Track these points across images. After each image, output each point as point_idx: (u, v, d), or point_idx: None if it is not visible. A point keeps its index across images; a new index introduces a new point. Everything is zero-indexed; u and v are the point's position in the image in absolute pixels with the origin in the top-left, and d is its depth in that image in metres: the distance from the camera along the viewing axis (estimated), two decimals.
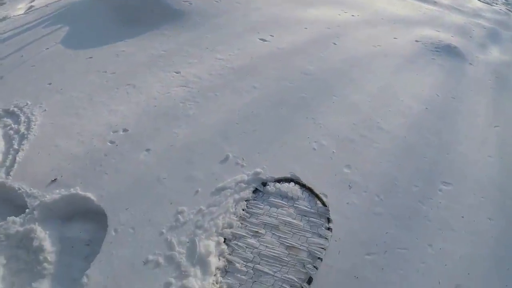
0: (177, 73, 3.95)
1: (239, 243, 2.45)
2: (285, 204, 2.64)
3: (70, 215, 2.75)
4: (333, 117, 3.37)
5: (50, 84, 3.93)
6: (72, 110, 3.54)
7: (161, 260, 2.37)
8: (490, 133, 3.44)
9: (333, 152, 3.02)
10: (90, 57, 4.35)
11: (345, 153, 3.03)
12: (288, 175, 2.83)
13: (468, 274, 2.34)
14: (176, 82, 3.81)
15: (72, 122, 3.39)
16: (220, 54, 4.26)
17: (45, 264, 2.44)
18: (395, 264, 2.37)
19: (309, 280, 2.26)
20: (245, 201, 2.66)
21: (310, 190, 2.73)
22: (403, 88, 3.91)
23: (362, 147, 3.07)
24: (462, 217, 2.63)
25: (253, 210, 2.62)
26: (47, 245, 2.53)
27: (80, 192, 2.75)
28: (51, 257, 2.49)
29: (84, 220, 2.72)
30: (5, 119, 3.56)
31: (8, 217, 2.66)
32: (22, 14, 6.22)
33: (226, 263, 2.37)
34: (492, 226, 2.61)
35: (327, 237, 2.45)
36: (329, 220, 2.54)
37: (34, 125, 3.38)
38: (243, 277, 2.30)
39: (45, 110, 3.56)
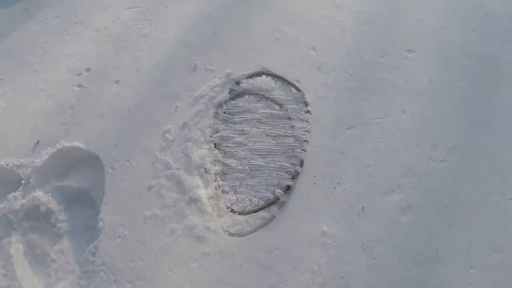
0: None
1: (229, 145, 2.55)
2: (262, 97, 2.71)
3: (66, 169, 2.75)
4: (288, 2, 3.31)
5: None
6: (28, 68, 3.34)
7: (163, 181, 2.46)
8: None
9: (296, 37, 3.02)
10: (26, 9, 4.00)
11: (308, 36, 3.03)
12: (259, 69, 2.86)
13: (442, 133, 2.53)
14: (123, 6, 3.60)
15: (33, 80, 3.22)
16: None
17: (59, 224, 2.52)
18: (374, 133, 2.53)
19: (301, 163, 2.41)
20: (224, 103, 2.72)
21: (282, 79, 2.79)
22: None
23: (323, 27, 3.07)
24: (429, 81, 2.76)
25: (234, 110, 2.68)
26: (54, 206, 2.57)
27: (66, 144, 2.72)
28: (61, 215, 2.55)
29: (80, 169, 2.73)
30: None
31: (7, 195, 2.65)
32: None
33: (222, 166, 2.48)
34: (458, 86, 2.75)
35: (308, 120, 2.57)
36: (306, 104, 2.65)
37: None
38: (241, 174, 2.44)
39: (1, 79, 3.35)
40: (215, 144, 2.56)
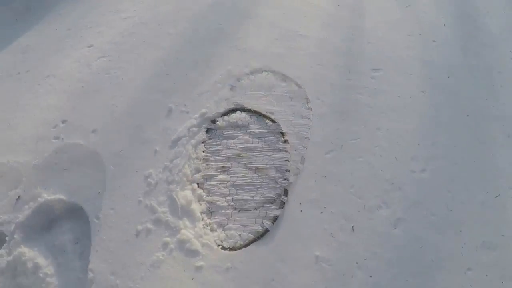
0: (90, 47, 3.75)
1: (212, 183, 2.56)
2: (239, 133, 2.75)
3: (49, 222, 2.69)
4: (254, 39, 3.40)
5: None
6: (3, 124, 3.31)
7: (150, 225, 2.44)
8: (404, 13, 3.61)
9: (266, 72, 3.08)
10: None
11: (277, 67, 3.12)
12: (232, 106, 2.90)
13: (419, 144, 2.61)
14: (93, 56, 3.64)
15: (10, 136, 3.18)
16: (124, 13, 4.06)
17: (48, 279, 2.43)
18: (353, 154, 2.58)
19: (285, 192, 2.43)
20: (202, 143, 2.74)
21: (256, 112, 2.84)
22: None
23: (290, 58, 3.16)
24: (399, 96, 2.85)
25: (213, 149, 2.71)
26: (41, 260, 2.49)
27: (48, 197, 2.67)
28: (49, 270, 2.46)
29: (64, 221, 2.67)
30: None
31: None
32: None
33: (208, 204, 2.48)
34: (426, 97, 2.85)
35: (286, 150, 2.60)
36: (283, 134, 2.69)
37: None
38: (228, 211, 2.44)
39: None
40: (198, 183, 2.56)
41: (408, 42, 3.22)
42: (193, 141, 2.73)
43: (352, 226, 2.29)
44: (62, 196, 2.66)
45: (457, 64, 3.03)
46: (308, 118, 2.66)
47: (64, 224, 2.64)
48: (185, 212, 2.43)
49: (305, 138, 2.59)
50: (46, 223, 2.67)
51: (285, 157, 2.57)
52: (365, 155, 2.56)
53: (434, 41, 3.21)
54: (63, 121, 3.09)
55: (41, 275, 2.43)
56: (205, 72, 3.17)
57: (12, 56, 3.99)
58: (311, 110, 2.71)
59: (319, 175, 2.50)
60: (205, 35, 3.52)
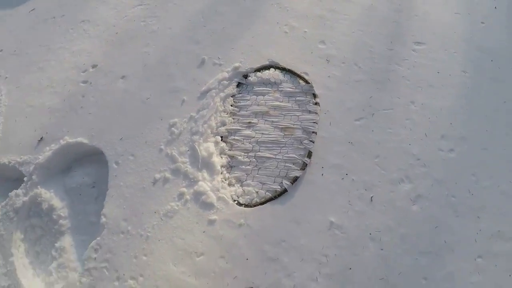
0: None
1: (235, 137, 2.56)
2: (270, 90, 2.72)
3: (68, 165, 2.78)
4: None
5: (1, 50, 3.70)
6: (33, 66, 3.38)
7: (168, 175, 2.48)
8: None
9: (305, 31, 3.03)
10: (33, 9, 4.06)
11: (317, 30, 3.04)
12: (267, 63, 2.87)
13: (451, 124, 2.51)
14: (131, 3, 3.64)
15: (38, 77, 3.26)
16: None
17: (61, 221, 2.51)
18: (383, 124, 2.53)
19: (309, 154, 2.41)
20: (231, 96, 2.73)
21: (290, 71, 2.80)
22: None
23: (332, 21, 3.08)
24: (438, 72, 2.75)
25: (241, 103, 2.70)
26: (56, 202, 2.57)
27: (70, 140, 2.73)
28: (63, 212, 2.55)
29: (82, 165, 2.75)
30: None
31: (9, 193, 2.64)
32: None
33: (229, 158, 2.49)
34: (466, 78, 2.73)
35: (316, 111, 2.57)
36: (314, 96, 2.65)
37: (1, 95, 3.25)
38: (248, 167, 2.45)
39: (6, 77, 3.41)
40: (222, 137, 2.58)
41: (456, 20, 3.08)
42: (222, 94, 2.73)
43: (371, 197, 2.27)
44: (84, 140, 2.72)
45: (503, 49, 2.88)
46: (316, 113, 2.59)
47: (82, 168, 2.72)
48: (205, 164, 2.46)
49: (312, 132, 2.51)
50: (65, 166, 2.76)
51: (314, 119, 2.54)
52: (395, 127, 2.51)
53: (482, 22, 3.06)
54: (93, 66, 3.15)
55: (54, 216, 2.52)
56: (243, 27, 3.13)
57: (48, 1, 4.00)
58: (319, 105, 2.63)
59: (346, 141, 2.47)
60: None
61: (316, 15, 3.14)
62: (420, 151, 2.42)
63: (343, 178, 2.35)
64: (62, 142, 2.74)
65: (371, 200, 2.26)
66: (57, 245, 2.44)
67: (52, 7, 3.94)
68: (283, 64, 2.83)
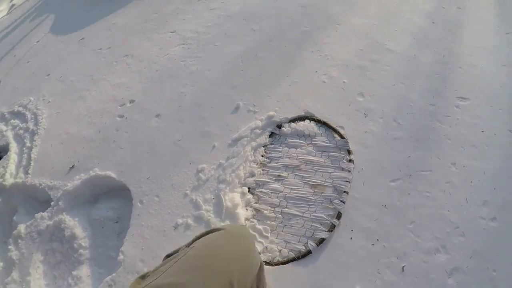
0: (172, 32, 3.87)
1: (263, 190, 2.49)
2: (303, 143, 2.65)
3: (95, 197, 2.82)
4: (338, 46, 3.28)
5: (48, 75, 3.93)
6: (75, 94, 3.53)
7: (190, 221, 2.43)
8: (502, 41, 3.29)
9: (344, 82, 2.97)
10: (83, 38, 4.29)
11: (356, 81, 2.97)
12: (302, 113, 2.82)
13: (495, 189, 2.35)
14: (173, 42, 3.74)
15: (78, 106, 3.39)
16: (213, 3, 4.14)
17: (81, 251, 2.53)
18: (420, 187, 2.39)
19: (338, 215, 2.31)
20: (263, 146, 2.68)
21: (326, 124, 2.72)
22: (406, 4, 3.75)
23: (372, 72, 3.01)
24: (482, 131, 2.61)
25: (272, 155, 2.64)
26: (79, 231, 2.60)
27: (100, 173, 2.78)
28: (84, 242, 2.57)
29: (109, 199, 2.78)
30: (12, 120, 3.63)
31: (35, 214, 2.73)
32: (6, 15, 6.21)
33: (254, 212, 2.43)
34: None
35: (349, 170, 2.47)
36: (349, 152, 2.55)
37: (42, 119, 3.44)
38: (273, 223, 2.36)
39: (49, 101, 3.60)
40: (249, 188, 2.52)
41: (502, 74, 2.94)
42: (253, 143, 2.69)
43: (403, 266, 2.14)
44: (112, 174, 2.75)
45: None
46: (349, 171, 2.49)
47: (108, 201, 2.75)
48: (229, 215, 2.40)
49: (344, 192, 2.40)
50: (92, 197, 2.80)
51: (346, 178, 2.44)
52: (433, 191, 2.37)
53: None
54: (131, 101, 3.20)
55: (75, 245, 2.54)
56: (281, 74, 3.11)
57: (98, 32, 4.24)
58: (353, 163, 2.54)
59: (379, 204, 2.35)
60: (289, 36, 3.47)
61: (356, 65, 3.08)
62: (459, 219, 2.26)
63: (373, 244, 2.22)
64: (91, 173, 2.80)
65: (402, 270, 2.13)
66: (74, 273, 2.45)
67: (100, 38, 4.12)
68: (318, 115, 2.77)
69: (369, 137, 2.64)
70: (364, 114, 2.75)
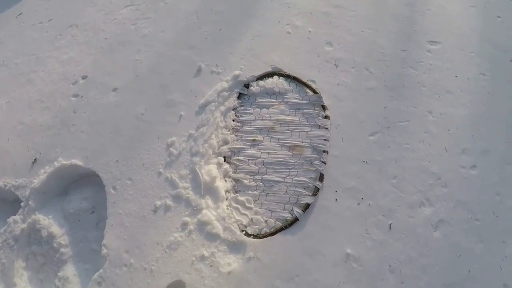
0: None
1: (239, 158, 2.40)
2: (275, 102, 2.55)
3: (65, 188, 2.66)
4: None
5: None
6: (22, 78, 3.20)
7: (169, 202, 2.32)
8: None
9: (310, 31, 2.84)
10: (20, 14, 3.85)
11: (323, 29, 2.85)
12: (269, 69, 2.69)
13: (472, 136, 2.36)
14: (119, 4, 3.45)
15: (28, 91, 3.09)
16: None
17: (62, 249, 2.41)
18: (399, 139, 2.36)
19: (321, 177, 2.25)
20: (233, 110, 2.56)
21: (296, 79, 2.61)
22: None
23: (339, 18, 2.89)
24: (456, 76, 2.58)
25: (244, 118, 2.53)
26: (56, 229, 2.47)
27: (64, 162, 2.60)
28: (64, 240, 2.44)
29: (80, 188, 2.62)
30: None
31: (7, 219, 2.56)
32: None
33: (234, 182, 2.32)
34: (486, 81, 2.57)
35: (326, 127, 2.40)
36: (324, 108, 2.47)
37: None
38: (255, 192, 2.29)
39: None
40: (224, 157, 2.41)
41: (471, 15, 2.90)
42: (222, 108, 2.56)
43: (390, 224, 2.13)
44: (78, 162, 2.57)
45: None
46: (326, 129, 2.41)
47: (80, 191, 2.59)
48: (208, 189, 2.30)
49: (323, 151, 2.33)
50: (62, 189, 2.63)
51: (324, 136, 2.38)
52: (412, 142, 2.34)
53: (498, 16, 2.88)
54: (83, 77, 2.97)
55: (55, 244, 2.41)
56: (242, 28, 2.94)
57: (36, 4, 3.82)
58: (329, 118, 2.45)
59: (360, 160, 2.31)
60: None
61: (321, 11, 2.95)
62: (441, 169, 2.26)
63: (359, 204, 2.19)
64: (56, 164, 2.61)
65: (390, 227, 2.13)
66: (60, 274, 2.34)
67: (39, 10, 3.73)
68: (287, 70, 2.65)
69: (343, 90, 2.56)
70: (335, 64, 2.65)
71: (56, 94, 2.97)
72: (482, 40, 2.75)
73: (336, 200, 2.21)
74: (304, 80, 2.59)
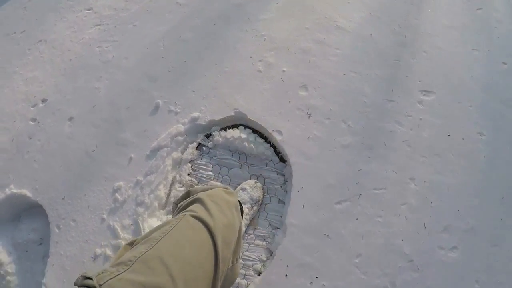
0: (89, 10, 3.33)
1: None
2: (237, 162, 2.32)
3: (17, 215, 2.57)
4: (278, 23, 2.85)
5: None
6: None
7: (109, 251, 2.17)
8: (472, 18, 2.91)
9: (284, 71, 2.59)
10: None
11: (299, 69, 2.59)
12: (232, 113, 2.44)
13: (458, 210, 2.09)
14: (89, 22, 3.23)
15: None
16: None
17: (8, 277, 2.35)
18: (371, 211, 2.10)
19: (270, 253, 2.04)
20: (189, 162, 2.34)
21: (261, 135, 2.38)
22: None
23: (319, 57, 2.63)
24: (448, 135, 2.32)
25: (201, 174, 2.30)
26: (4, 256, 2.41)
27: (15, 191, 2.49)
28: (11, 268, 2.38)
29: (30, 217, 2.54)
30: None
31: None
32: None
33: None
34: (484, 143, 2.30)
35: (284, 201, 2.19)
36: (285, 180, 2.26)
37: None
38: None
39: None
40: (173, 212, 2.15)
41: (473, 60, 2.62)
42: (175, 154, 2.33)
43: None
44: (28, 193, 2.48)
45: None
46: (283, 203, 2.19)
47: (30, 221, 2.52)
48: None
49: (277, 228, 2.13)
50: (13, 216, 2.57)
51: (281, 212, 2.15)
52: (386, 215, 2.08)
53: (504, 63, 2.58)
54: (43, 100, 2.81)
55: (1, 272, 2.36)
56: (209, 60, 2.69)
57: (12, 11, 3.61)
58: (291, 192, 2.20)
59: (321, 233, 2.05)
60: (219, 12, 3.01)
61: (299, 48, 2.69)
62: (414, 250, 2.01)
63: (311, 283, 1.94)
64: (8, 191, 2.49)
65: None
66: None
67: (15, 19, 3.54)
68: (251, 116, 2.40)
69: (312, 145, 2.29)
70: (307, 113, 2.39)
71: (16, 115, 2.81)
72: (484, 91, 2.49)
73: (286, 276, 1.97)
74: (270, 130, 2.33)
